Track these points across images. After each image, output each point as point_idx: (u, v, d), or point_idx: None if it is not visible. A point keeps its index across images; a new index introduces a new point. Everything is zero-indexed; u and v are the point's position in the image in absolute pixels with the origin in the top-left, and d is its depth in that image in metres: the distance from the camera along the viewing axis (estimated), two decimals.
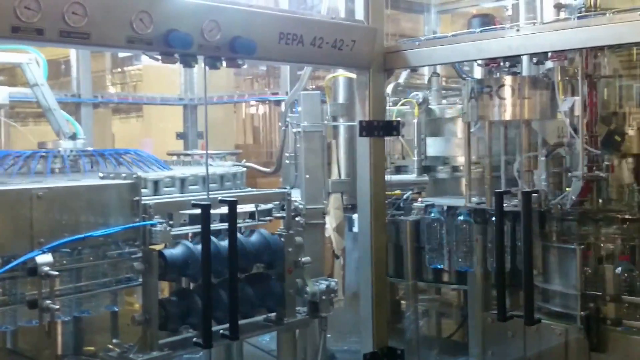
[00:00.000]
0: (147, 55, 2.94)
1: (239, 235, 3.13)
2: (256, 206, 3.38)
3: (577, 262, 3.59)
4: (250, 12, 3.24)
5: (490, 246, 3.88)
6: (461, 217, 3.97)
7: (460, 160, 4.55)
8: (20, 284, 2.58)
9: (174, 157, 5.16)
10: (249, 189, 3.71)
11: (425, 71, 5.56)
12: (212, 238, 2.99)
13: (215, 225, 3.04)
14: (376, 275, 3.91)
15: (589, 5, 3.52)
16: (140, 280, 2.86)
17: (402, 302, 4.83)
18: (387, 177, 4.06)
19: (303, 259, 3.33)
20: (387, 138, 4.02)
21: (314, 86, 5.05)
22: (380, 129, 3.85)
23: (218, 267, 2.95)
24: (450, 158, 4.60)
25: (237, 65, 3.16)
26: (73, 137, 3.88)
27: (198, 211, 2.90)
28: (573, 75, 3.65)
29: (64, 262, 2.69)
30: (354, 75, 4.23)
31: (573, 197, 3.62)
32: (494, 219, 3.72)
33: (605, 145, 3.64)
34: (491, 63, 3.85)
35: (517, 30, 3.52)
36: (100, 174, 3.04)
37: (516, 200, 3.72)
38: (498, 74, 3.92)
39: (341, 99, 4.58)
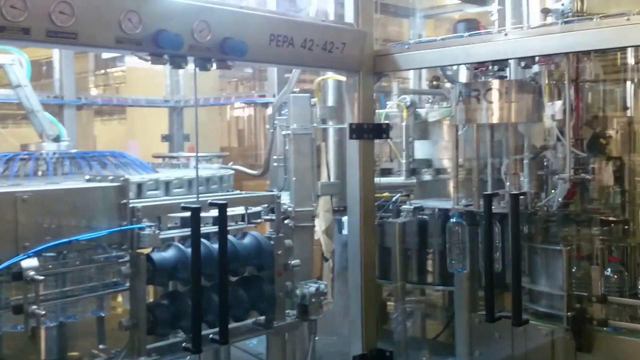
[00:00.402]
0: (136, 56, 2.89)
1: (232, 238, 3.11)
2: (246, 209, 3.36)
3: (563, 263, 3.64)
4: (241, 13, 3.22)
5: (479, 247, 3.90)
6: (453, 220, 3.99)
7: (445, 162, 4.60)
8: (4, 289, 2.52)
9: (160, 160, 5.10)
10: (237, 191, 3.68)
11: (410, 75, 5.61)
12: (205, 241, 2.96)
13: (204, 229, 3.01)
14: (365, 277, 3.91)
15: (576, 10, 3.57)
16: (128, 284, 2.82)
17: (388, 303, 4.85)
18: (376, 180, 4.07)
19: (292, 262, 3.32)
20: (375, 141, 4.03)
21: (298, 89, 5.04)
22: (370, 131, 3.86)
23: (210, 270, 2.92)
24: (433, 161, 4.64)
25: (227, 67, 3.13)
26: (56, 139, 3.81)
27: (188, 214, 2.86)
28: (559, 79, 3.70)
29: (50, 266, 2.64)
30: (343, 78, 4.23)
31: (559, 199, 3.66)
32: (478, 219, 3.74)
33: (590, 148, 3.70)
34: (480, 67, 3.88)
35: (506, 34, 3.56)
36: (87, 177, 2.99)
37: (503, 202, 3.76)
38: (483, 77, 3.95)
39: (330, 101, 4.58)
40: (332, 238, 4.52)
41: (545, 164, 3.83)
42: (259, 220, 3.42)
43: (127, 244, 2.79)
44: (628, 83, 3.94)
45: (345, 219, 4.26)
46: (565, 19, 3.42)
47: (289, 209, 3.48)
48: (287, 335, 3.46)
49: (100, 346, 3.00)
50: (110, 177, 2.89)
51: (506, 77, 3.92)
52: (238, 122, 10.47)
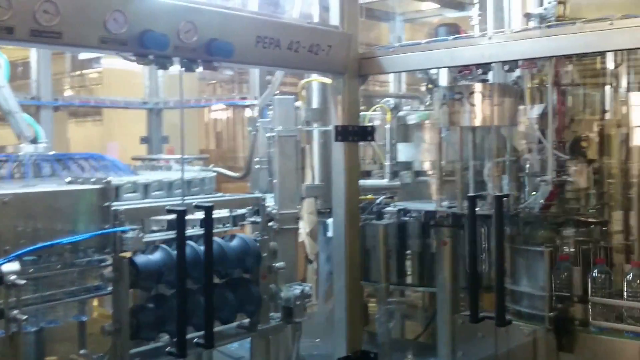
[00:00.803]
0: (121, 56, 2.84)
1: (220, 240, 3.07)
2: (230, 211, 3.32)
3: (545, 264, 3.69)
4: (227, 14, 3.20)
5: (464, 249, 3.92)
6: None
7: (426, 165, 4.63)
8: None
9: (139, 162, 5.02)
10: (220, 194, 3.65)
11: (390, 78, 5.63)
12: (192, 244, 2.92)
13: (190, 231, 2.97)
14: (350, 279, 3.91)
15: (559, 14, 3.63)
16: (110, 289, 2.76)
17: (369, 305, 4.85)
18: (360, 182, 4.07)
19: (277, 265, 3.29)
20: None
21: (278, 91, 5.03)
22: (355, 134, 3.87)
23: (198, 272, 2.88)
24: (413, 163, 4.67)
25: (213, 68, 3.10)
26: (34, 141, 3.71)
27: (173, 217, 2.82)
28: (541, 83, 3.76)
29: (31, 270, 2.57)
30: (328, 81, 4.23)
31: (541, 201, 3.72)
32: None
33: (572, 151, 3.76)
34: (464, 70, 3.92)
35: (490, 38, 3.60)
36: (68, 179, 2.92)
37: (485, 204, 3.79)
38: (464, 81, 3.99)
39: (315, 104, 4.57)
40: (316, 240, 4.51)
41: (527, 165, 3.87)
42: (243, 223, 3.39)
43: (109, 247, 2.74)
44: (607, 87, 4.03)
45: (330, 221, 4.25)
46: (549, 23, 3.47)
47: (273, 211, 3.46)
48: (271, 337, 3.43)
49: (82, 351, 2.93)
50: (93, 180, 2.83)
51: (489, 80, 3.97)
52: (216, 124, 10.38)
